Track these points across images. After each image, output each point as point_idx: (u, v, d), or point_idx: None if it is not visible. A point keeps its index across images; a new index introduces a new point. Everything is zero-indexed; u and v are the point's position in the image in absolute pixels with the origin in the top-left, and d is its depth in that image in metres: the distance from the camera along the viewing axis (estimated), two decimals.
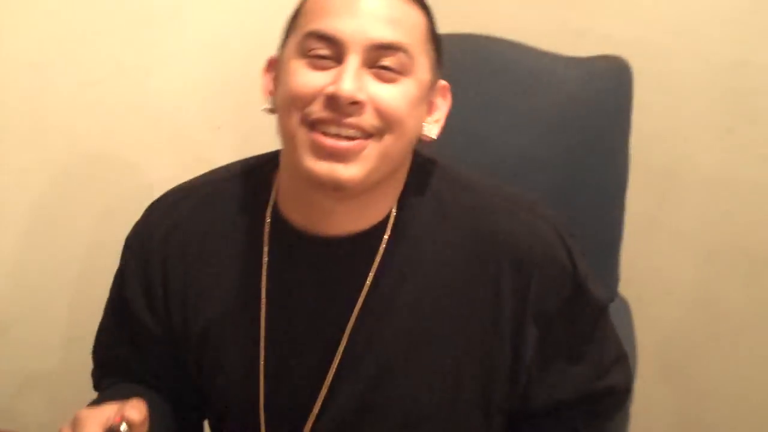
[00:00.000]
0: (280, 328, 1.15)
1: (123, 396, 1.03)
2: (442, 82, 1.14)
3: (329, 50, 1.03)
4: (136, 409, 0.99)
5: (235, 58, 1.72)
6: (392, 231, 1.12)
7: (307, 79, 1.04)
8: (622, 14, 1.74)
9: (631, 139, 1.66)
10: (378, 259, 1.12)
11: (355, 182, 1.04)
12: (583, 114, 1.52)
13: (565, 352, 1.16)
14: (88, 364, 1.37)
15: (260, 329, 1.15)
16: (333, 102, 1.01)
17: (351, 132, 1.03)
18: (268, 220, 1.15)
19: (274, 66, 1.12)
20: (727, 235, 1.78)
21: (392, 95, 1.04)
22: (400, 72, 1.04)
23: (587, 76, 1.54)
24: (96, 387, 1.30)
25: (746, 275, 1.78)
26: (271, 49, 1.14)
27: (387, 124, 1.04)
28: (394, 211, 1.13)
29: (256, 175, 1.19)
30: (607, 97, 1.53)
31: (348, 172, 1.03)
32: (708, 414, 1.90)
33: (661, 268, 1.86)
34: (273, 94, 1.11)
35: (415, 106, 1.06)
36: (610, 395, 1.22)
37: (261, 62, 1.16)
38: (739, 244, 1.77)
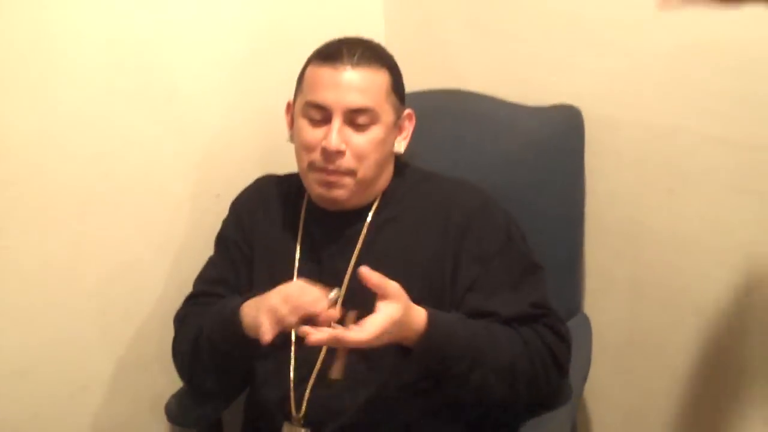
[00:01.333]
0: (306, 270, 1.68)
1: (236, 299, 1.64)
2: (407, 111, 1.72)
3: (321, 114, 1.62)
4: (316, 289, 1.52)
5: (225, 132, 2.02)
6: (378, 204, 1.71)
7: (310, 135, 1.64)
8: (579, 70, 1.96)
9: (589, 201, 1.89)
10: (369, 219, 1.69)
11: (342, 200, 1.65)
12: (540, 153, 1.88)
13: (507, 284, 1.61)
14: (98, 413, 1.76)
15: (293, 270, 1.70)
16: (326, 151, 1.60)
17: (338, 170, 1.62)
18: (305, 202, 1.76)
19: (291, 108, 1.71)
20: (675, 288, 1.92)
21: (363, 141, 1.62)
22: (370, 123, 1.62)
23: (545, 122, 1.91)
24: (181, 318, 1.79)
25: (693, 325, 1.91)
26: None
27: (360, 163, 1.62)
28: (379, 195, 1.71)
29: (297, 179, 1.74)
30: (563, 139, 1.89)
31: (336, 194, 1.65)
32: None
33: (623, 320, 2.02)
34: (291, 129, 1.70)
35: (383, 142, 1.64)
36: (549, 328, 1.59)
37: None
38: (689, 297, 1.90)
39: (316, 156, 1.62)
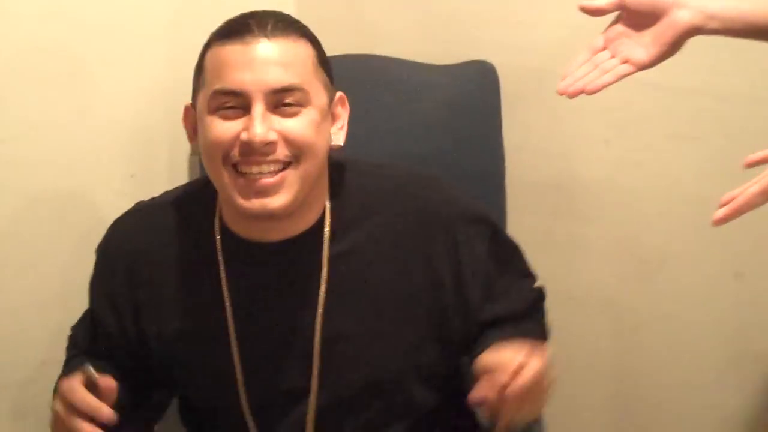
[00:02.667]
0: (250, 335, 1.32)
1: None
2: (339, 94, 1.33)
3: (236, 101, 1.22)
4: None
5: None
6: (331, 225, 1.32)
7: (223, 129, 1.23)
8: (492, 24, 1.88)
9: (518, 158, 1.83)
10: (325, 251, 1.31)
11: (284, 209, 1.24)
12: (456, 113, 1.77)
13: (510, 274, 1.42)
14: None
15: (230, 338, 1.32)
16: (249, 147, 1.21)
17: (271, 168, 1.22)
18: (218, 236, 1.34)
19: (191, 114, 1.31)
20: (616, 239, 1.89)
21: (298, 126, 1.23)
22: (300, 105, 1.23)
23: (458, 80, 1.79)
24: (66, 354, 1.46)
25: (638, 276, 1.89)
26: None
27: (300, 152, 1.23)
28: (328, 209, 1.33)
29: (200, 197, 1.37)
30: (477, 97, 1.78)
31: (277, 202, 1.23)
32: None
33: (561, 276, 1.97)
34: (194, 141, 1.31)
35: (319, 127, 1.25)
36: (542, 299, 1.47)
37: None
38: (628, 247, 1.88)
39: (236, 155, 1.23)
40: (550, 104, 1.82)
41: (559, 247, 1.95)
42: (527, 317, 1.41)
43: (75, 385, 1.18)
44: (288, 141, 1.23)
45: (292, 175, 1.23)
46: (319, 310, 1.30)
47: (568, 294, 1.97)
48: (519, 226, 1.77)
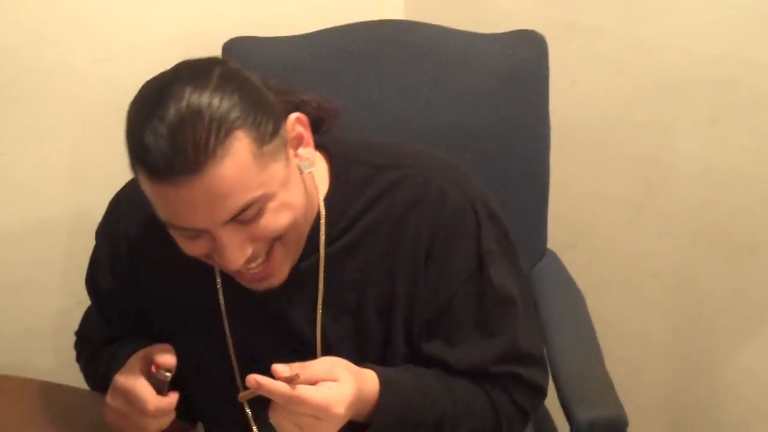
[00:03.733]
0: (246, 343, 1.28)
1: (128, 351, 1.23)
2: (293, 118, 1.15)
3: (192, 231, 1.09)
4: (166, 352, 1.17)
5: None
6: (326, 229, 1.23)
7: (191, 249, 1.12)
8: None
9: (617, 129, 1.79)
10: (321, 251, 1.23)
11: (282, 279, 1.18)
12: (503, 86, 1.67)
13: (474, 326, 1.27)
14: None
15: (227, 339, 1.28)
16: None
17: (257, 262, 1.14)
18: None
19: None
20: (709, 222, 1.84)
21: (266, 226, 1.09)
22: (260, 207, 1.08)
23: (506, 50, 1.69)
24: (78, 357, 1.45)
25: (727, 261, 1.84)
26: None
27: (278, 236, 1.13)
28: (322, 207, 1.23)
29: None
30: (524, 69, 1.68)
31: (278, 280, 1.18)
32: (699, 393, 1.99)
33: (647, 252, 1.93)
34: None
35: (287, 205, 1.11)
36: (524, 384, 1.30)
37: None
38: (721, 230, 1.83)
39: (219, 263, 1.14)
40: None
41: (649, 224, 1.90)
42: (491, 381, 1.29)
43: (140, 387, 1.16)
44: (263, 240, 1.12)
45: (279, 249, 1.15)
46: (319, 311, 1.26)
47: (651, 272, 1.94)
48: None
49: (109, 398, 1.19)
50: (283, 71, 1.61)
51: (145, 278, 1.31)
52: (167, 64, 1.10)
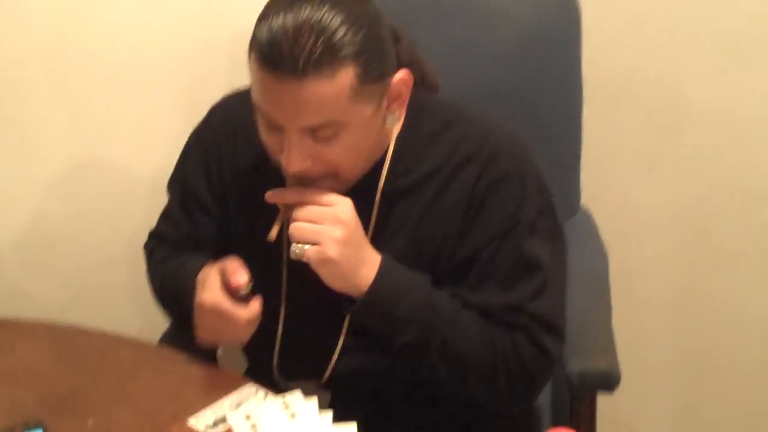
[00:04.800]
0: (297, 275, 1.32)
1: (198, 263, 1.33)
2: (399, 76, 1.25)
3: (274, 124, 1.21)
4: (239, 268, 1.26)
5: None
6: (388, 168, 1.32)
7: (268, 137, 1.24)
8: None
9: (633, 82, 1.80)
10: (379, 188, 1.31)
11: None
12: (539, 42, 1.68)
13: (497, 279, 1.29)
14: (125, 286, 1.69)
15: (282, 250, 1.34)
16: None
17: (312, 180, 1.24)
18: None
19: None
20: (722, 168, 1.86)
21: (331, 152, 1.21)
22: (336, 131, 1.19)
23: (538, 8, 1.71)
24: (149, 256, 1.54)
25: (742, 208, 1.86)
26: None
27: (336, 171, 1.24)
28: (391, 150, 1.32)
29: None
30: (557, 28, 1.70)
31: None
32: (705, 343, 2.01)
33: (663, 201, 1.96)
34: None
35: (359, 143, 1.23)
36: (534, 343, 1.29)
37: None
38: (736, 177, 1.85)
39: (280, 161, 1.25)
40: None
41: (662, 172, 1.94)
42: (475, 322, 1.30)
43: (227, 305, 1.25)
44: (323, 163, 1.22)
45: (331, 182, 1.25)
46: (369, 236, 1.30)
47: (668, 219, 1.97)
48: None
49: (199, 319, 1.28)
50: None
51: (227, 190, 1.41)
52: None
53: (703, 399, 2.05)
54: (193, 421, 1.24)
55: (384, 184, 1.32)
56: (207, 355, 1.50)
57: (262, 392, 1.30)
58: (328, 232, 1.21)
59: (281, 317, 1.39)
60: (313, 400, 1.27)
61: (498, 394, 1.31)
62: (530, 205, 1.30)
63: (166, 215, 1.53)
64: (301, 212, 1.23)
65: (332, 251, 1.21)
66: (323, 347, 1.37)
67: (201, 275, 1.30)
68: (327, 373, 1.37)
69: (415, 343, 1.27)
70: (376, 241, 1.29)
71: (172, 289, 1.42)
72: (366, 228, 1.29)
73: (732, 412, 2.00)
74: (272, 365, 1.41)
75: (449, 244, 1.31)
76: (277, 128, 1.21)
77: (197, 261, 1.36)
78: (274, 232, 1.25)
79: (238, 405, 1.27)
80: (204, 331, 1.30)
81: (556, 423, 1.56)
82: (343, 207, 1.23)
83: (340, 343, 1.37)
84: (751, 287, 1.90)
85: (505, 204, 1.29)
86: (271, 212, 1.28)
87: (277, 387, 1.33)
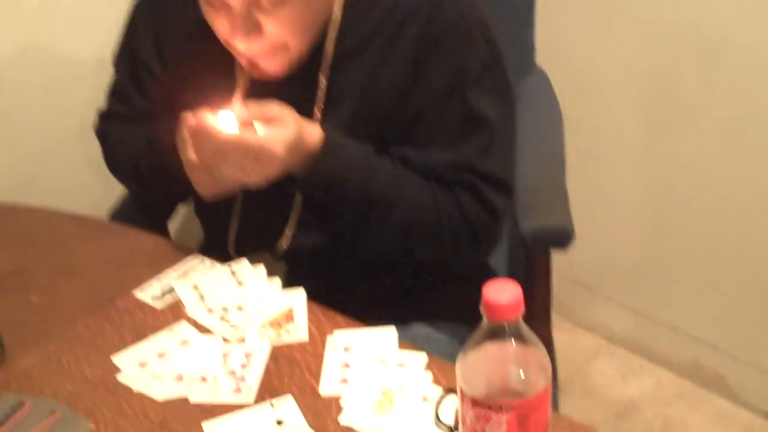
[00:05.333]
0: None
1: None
2: None
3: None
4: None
5: None
6: (338, 29, 1.28)
7: (216, 22, 1.21)
8: None
9: None
10: (329, 51, 1.28)
11: (279, 73, 1.25)
12: None
13: (443, 137, 1.27)
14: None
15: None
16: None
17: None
18: None
19: None
20: (675, 21, 1.82)
21: (277, 24, 1.18)
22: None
23: None
24: (104, 138, 1.48)
25: (701, 62, 1.83)
26: None
27: (284, 43, 1.20)
28: (335, 16, 1.28)
29: None
30: None
31: (276, 65, 1.23)
32: (663, 201, 2.02)
33: (620, 58, 1.93)
34: None
35: (301, 13, 1.19)
36: (480, 201, 1.28)
37: None
38: (694, 32, 1.81)
39: None
40: None
41: (619, 28, 1.90)
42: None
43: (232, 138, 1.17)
44: (272, 38, 1.19)
45: (282, 57, 1.22)
46: (318, 111, 1.29)
47: (625, 75, 1.94)
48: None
49: (199, 175, 1.23)
50: None
51: (178, 46, 1.37)
52: None
53: (660, 256, 2.07)
54: (140, 293, 1.23)
55: (331, 47, 1.28)
56: (158, 228, 1.49)
57: (208, 261, 1.28)
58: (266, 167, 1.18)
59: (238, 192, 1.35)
60: (261, 268, 1.25)
61: (445, 253, 1.31)
62: (476, 56, 1.26)
63: (116, 93, 1.47)
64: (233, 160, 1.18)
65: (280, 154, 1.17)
66: (278, 223, 1.35)
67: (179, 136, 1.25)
68: (284, 248, 1.36)
69: (359, 213, 1.26)
70: (327, 106, 1.28)
71: (151, 161, 1.37)
72: (315, 93, 1.28)
73: (689, 268, 2.02)
74: (227, 242, 1.39)
75: (396, 102, 1.28)
76: (224, 6, 1.18)
77: (167, 125, 1.31)
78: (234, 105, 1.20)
79: (185, 275, 1.26)
80: (213, 184, 1.24)
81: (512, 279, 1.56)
82: (276, 146, 1.16)
83: (296, 217, 1.35)
84: (710, 143, 1.88)
85: (449, 57, 1.26)
86: (225, 66, 1.28)
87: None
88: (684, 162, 1.94)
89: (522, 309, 0.84)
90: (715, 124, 1.86)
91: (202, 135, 1.17)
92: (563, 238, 1.40)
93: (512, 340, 0.85)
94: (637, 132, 1.98)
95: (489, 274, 1.54)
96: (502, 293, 0.83)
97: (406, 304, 1.38)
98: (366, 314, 1.18)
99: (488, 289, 0.84)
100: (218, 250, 1.36)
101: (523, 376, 0.86)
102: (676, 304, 2.08)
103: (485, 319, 0.85)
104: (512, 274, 1.59)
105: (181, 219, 1.84)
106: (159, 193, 1.45)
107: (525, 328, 0.86)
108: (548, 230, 1.43)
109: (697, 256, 2.00)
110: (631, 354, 2.18)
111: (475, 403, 0.86)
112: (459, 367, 0.88)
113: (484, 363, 0.86)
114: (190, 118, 1.17)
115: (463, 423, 0.89)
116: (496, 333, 0.85)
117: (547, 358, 0.87)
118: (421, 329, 1.37)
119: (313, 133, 1.22)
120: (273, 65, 1.24)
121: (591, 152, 1.97)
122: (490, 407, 0.85)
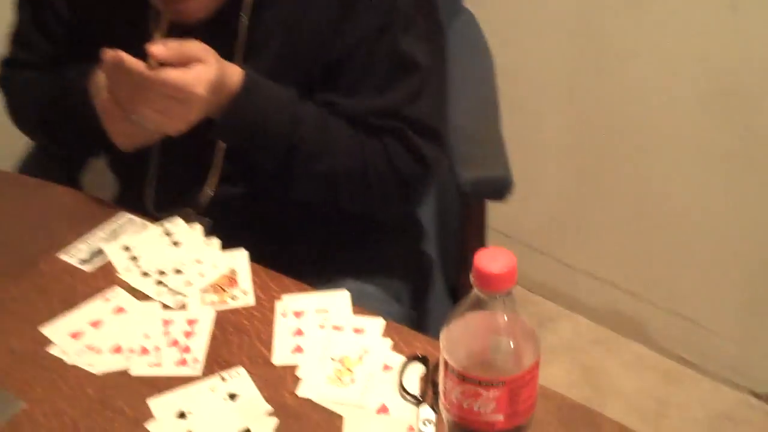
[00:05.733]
0: None
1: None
2: None
3: None
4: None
5: None
6: None
7: None
8: None
9: None
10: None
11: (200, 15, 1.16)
12: None
13: (371, 82, 1.22)
14: None
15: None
16: None
17: None
18: None
19: None
20: None
21: None
22: None
23: None
24: (6, 86, 1.38)
25: (630, 5, 1.81)
26: None
27: None
28: None
29: None
30: None
31: (196, 6, 1.16)
32: (593, 146, 2.00)
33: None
34: None
35: None
36: (408, 149, 1.23)
37: None
38: None
39: None
40: None
41: None
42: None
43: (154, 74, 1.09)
44: None
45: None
46: (239, 57, 1.21)
47: (555, 19, 1.94)
48: None
49: (114, 122, 1.15)
50: None
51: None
52: None
53: (580, 204, 2.06)
54: (65, 256, 1.13)
55: None
56: (72, 182, 1.38)
57: (139, 220, 1.19)
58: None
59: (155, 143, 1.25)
60: (196, 227, 1.17)
61: (373, 203, 1.27)
62: (407, 1, 1.21)
63: (17, 38, 1.36)
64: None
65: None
66: (199, 175, 1.27)
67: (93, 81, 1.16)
68: (206, 201, 1.27)
69: (282, 160, 1.20)
70: (249, 49, 1.21)
71: (61, 109, 1.26)
72: (237, 36, 1.20)
73: (609, 216, 2.02)
74: (144, 196, 1.30)
75: (322, 45, 1.21)
76: None
77: (78, 72, 1.23)
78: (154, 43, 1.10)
79: (115, 235, 1.16)
80: (131, 133, 1.16)
81: (442, 233, 1.53)
82: (196, 87, 1.09)
83: (218, 168, 1.27)
84: (639, 86, 1.87)
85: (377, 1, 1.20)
86: (141, 8, 1.19)
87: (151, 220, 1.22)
88: (609, 108, 1.93)
89: (516, 279, 0.78)
90: (644, 69, 1.85)
91: (120, 71, 1.08)
92: (503, 188, 1.37)
93: (503, 312, 0.80)
94: (564, 77, 1.96)
95: (417, 226, 1.51)
96: (495, 262, 0.78)
97: (337, 258, 1.33)
98: (294, 270, 1.13)
99: (480, 257, 0.78)
100: (134, 205, 1.26)
101: (513, 350, 0.81)
102: (595, 251, 2.09)
103: (475, 289, 0.79)
104: (441, 227, 1.56)
105: (91, 173, 1.72)
106: (70, 146, 1.36)
107: (515, 300, 0.80)
108: (489, 181, 1.39)
109: (617, 204, 2.00)
110: (548, 301, 2.18)
111: (464, 378, 0.80)
112: (444, 339, 0.82)
113: (473, 335, 0.81)
114: (108, 53, 1.08)
115: (446, 398, 0.84)
116: (486, 304, 0.80)
117: (535, 330, 0.82)
118: (352, 285, 1.29)
119: (234, 73, 1.15)
120: (192, 5, 1.15)
121: (516, 97, 1.94)
122: (480, 383, 0.80)
